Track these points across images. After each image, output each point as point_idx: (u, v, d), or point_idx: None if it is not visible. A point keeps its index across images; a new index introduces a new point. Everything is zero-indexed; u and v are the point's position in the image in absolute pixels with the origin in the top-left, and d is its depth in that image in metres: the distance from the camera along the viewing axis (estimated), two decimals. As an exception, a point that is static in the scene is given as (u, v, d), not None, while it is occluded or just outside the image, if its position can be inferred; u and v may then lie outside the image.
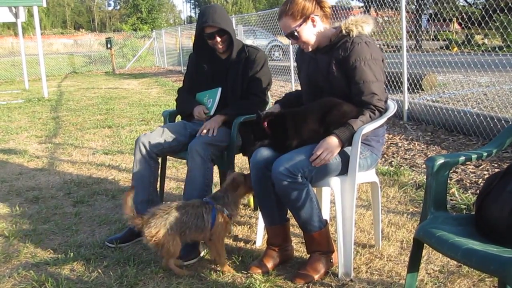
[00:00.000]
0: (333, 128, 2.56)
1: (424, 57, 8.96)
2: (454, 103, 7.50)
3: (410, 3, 15.52)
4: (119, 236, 3.24)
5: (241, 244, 3.18)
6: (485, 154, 2.33)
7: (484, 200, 2.03)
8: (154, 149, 3.25)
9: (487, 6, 6.77)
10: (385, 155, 5.19)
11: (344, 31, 2.69)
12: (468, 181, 4.19)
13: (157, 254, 2.80)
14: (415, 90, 8.00)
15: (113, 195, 4.25)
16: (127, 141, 6.44)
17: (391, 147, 5.50)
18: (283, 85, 11.56)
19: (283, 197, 2.61)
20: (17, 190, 4.49)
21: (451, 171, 4.07)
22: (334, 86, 2.71)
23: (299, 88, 3.11)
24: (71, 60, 24.06)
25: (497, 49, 13.20)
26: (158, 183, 3.44)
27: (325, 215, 3.18)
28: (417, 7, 16.26)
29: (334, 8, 9.06)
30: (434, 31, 20.80)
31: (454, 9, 8.19)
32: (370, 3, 9.14)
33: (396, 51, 8.18)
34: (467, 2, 25.32)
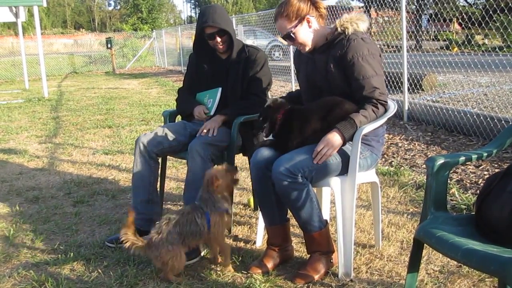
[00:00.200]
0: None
1: (424, 57, 8.97)
2: (454, 103, 7.50)
3: (410, 3, 15.52)
4: (119, 236, 3.23)
5: (241, 244, 3.18)
6: (485, 154, 2.33)
7: (484, 200, 2.03)
8: (154, 149, 3.25)
9: (487, 6, 6.77)
10: (385, 155, 5.19)
11: (339, 29, 2.69)
12: (468, 181, 4.19)
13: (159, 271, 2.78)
14: (415, 90, 8.00)
15: (113, 195, 4.25)
16: (127, 141, 6.44)
17: (391, 147, 5.50)
18: (283, 85, 11.56)
19: (283, 197, 2.61)
20: (17, 190, 4.49)
21: (451, 171, 4.07)
22: (333, 85, 2.71)
23: (299, 88, 3.12)
24: (71, 60, 24.06)
25: (497, 49, 13.20)
26: (158, 183, 3.44)
27: (325, 215, 3.17)
28: (417, 7, 16.26)
29: (334, 8, 9.05)
30: (434, 31, 20.80)
31: (454, 9, 8.19)
32: (370, 3, 9.13)
33: (396, 51, 8.18)
34: (467, 2, 25.32)
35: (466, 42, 11.18)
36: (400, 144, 5.59)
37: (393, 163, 4.88)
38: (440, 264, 2.78)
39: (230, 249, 2.83)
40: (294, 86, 10.09)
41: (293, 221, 2.81)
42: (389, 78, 7.46)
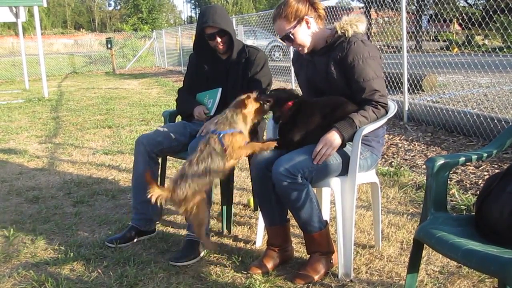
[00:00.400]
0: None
1: (424, 58, 8.97)
2: (454, 104, 7.50)
3: (410, 3, 15.52)
4: (119, 236, 3.24)
5: (241, 244, 3.18)
6: (485, 155, 2.33)
7: (484, 201, 2.03)
8: (154, 149, 3.25)
9: (487, 6, 6.77)
10: (385, 156, 5.19)
11: (339, 32, 2.69)
12: (468, 181, 4.19)
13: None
14: (415, 91, 8.00)
15: (113, 195, 4.25)
16: (127, 141, 6.44)
17: (391, 148, 5.50)
18: (283, 85, 11.56)
19: (283, 197, 2.61)
20: (17, 190, 4.49)
21: (451, 172, 4.07)
22: (334, 87, 2.71)
23: (299, 88, 3.12)
24: (72, 60, 24.07)
25: (497, 50, 13.21)
26: (159, 183, 3.45)
27: (325, 215, 3.17)
28: (418, 7, 16.27)
29: (334, 9, 9.05)
30: (434, 32, 20.81)
31: (454, 9, 8.19)
32: (370, 4, 9.13)
33: (397, 52, 8.18)
34: (467, 3, 25.34)
35: (466, 43, 11.18)
36: (400, 145, 5.59)
37: (393, 163, 4.88)
38: (440, 265, 2.78)
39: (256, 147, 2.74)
40: (294, 86, 10.08)
41: (293, 221, 2.81)
42: (389, 78, 7.46)
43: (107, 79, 18.08)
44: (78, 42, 30.77)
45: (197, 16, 3.46)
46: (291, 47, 9.66)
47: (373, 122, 2.62)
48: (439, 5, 7.19)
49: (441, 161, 2.19)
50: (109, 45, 21.68)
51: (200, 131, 3.20)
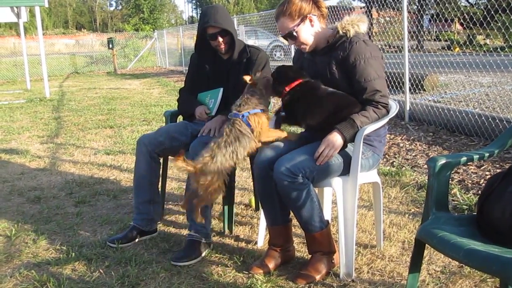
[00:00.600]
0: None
1: (425, 58, 8.96)
2: (456, 104, 7.50)
3: (411, 3, 15.52)
4: (121, 236, 3.24)
5: (243, 244, 3.18)
6: (487, 154, 2.33)
7: (486, 200, 2.02)
8: (156, 149, 3.25)
9: (488, 6, 6.77)
10: (386, 156, 5.18)
11: (341, 32, 2.69)
12: (470, 181, 4.18)
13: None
14: (417, 91, 7.99)
15: (114, 195, 4.25)
16: (129, 141, 6.44)
17: (392, 148, 5.50)
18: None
19: (284, 197, 2.61)
20: (19, 190, 4.49)
21: (452, 172, 4.07)
22: (335, 87, 2.70)
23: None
24: (73, 60, 24.08)
25: (499, 49, 13.19)
26: (160, 183, 3.45)
27: (327, 215, 3.18)
28: (419, 7, 16.25)
29: (335, 9, 9.05)
30: (435, 32, 20.79)
31: (456, 9, 8.19)
32: (371, 4, 9.13)
33: (398, 52, 8.17)
34: (468, 3, 25.30)
35: (467, 42, 11.18)
36: (401, 145, 5.59)
37: (394, 163, 4.88)
38: (441, 265, 2.78)
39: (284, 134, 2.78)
40: (295, 86, 10.08)
41: (294, 221, 2.81)
42: (390, 78, 7.46)
43: (109, 79, 18.10)
44: (79, 42, 30.76)
45: (199, 16, 3.46)
46: (292, 47, 9.70)
47: (374, 122, 2.62)
48: (441, 5, 7.18)
49: (442, 161, 2.19)
50: (110, 45, 21.70)
51: (202, 131, 3.20)
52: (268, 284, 2.62)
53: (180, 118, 3.71)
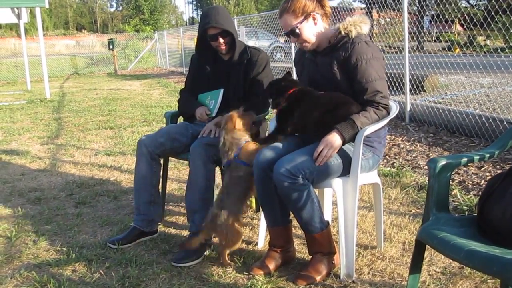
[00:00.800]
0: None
1: (426, 58, 8.96)
2: (456, 104, 7.49)
3: (412, 4, 15.52)
4: (121, 237, 3.24)
5: (243, 245, 3.18)
6: (487, 155, 2.33)
7: (487, 201, 2.02)
8: (156, 150, 3.25)
9: (489, 7, 6.78)
10: (387, 156, 5.18)
11: (343, 32, 2.70)
12: (470, 182, 4.18)
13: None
14: (417, 91, 7.99)
15: (115, 196, 4.25)
16: (129, 142, 6.45)
17: (393, 148, 5.50)
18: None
19: (284, 198, 2.61)
20: (19, 191, 4.49)
21: (453, 173, 4.08)
22: (337, 87, 2.71)
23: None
24: (73, 61, 24.09)
25: (499, 50, 13.20)
26: (160, 184, 3.45)
27: (327, 216, 3.18)
28: (419, 8, 16.26)
29: (336, 9, 9.06)
30: (436, 32, 20.80)
31: (456, 10, 8.19)
32: (372, 5, 9.13)
33: (398, 52, 8.18)
34: (469, 3, 25.31)
35: (468, 43, 11.18)
36: (402, 145, 5.59)
37: (395, 164, 4.87)
38: (442, 266, 2.78)
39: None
40: (296, 87, 10.08)
41: (295, 222, 2.81)
42: (391, 79, 7.45)
43: (109, 80, 18.10)
44: (80, 43, 30.78)
45: (199, 17, 3.46)
46: (293, 48, 9.71)
47: (374, 123, 2.62)
48: (441, 6, 7.18)
49: (443, 162, 2.19)
50: (111, 46, 21.70)
51: (202, 132, 3.20)
52: (269, 285, 2.62)
53: (180, 119, 3.71)
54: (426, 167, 4.60)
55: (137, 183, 3.28)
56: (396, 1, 7.45)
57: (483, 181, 4.17)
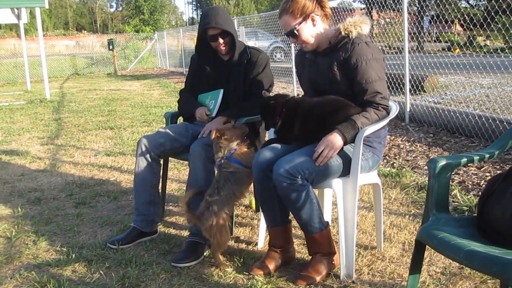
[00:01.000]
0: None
1: (426, 59, 8.96)
2: (456, 105, 7.50)
3: (412, 4, 15.52)
4: (121, 237, 3.24)
5: (243, 245, 3.18)
6: (487, 155, 2.33)
7: (486, 201, 2.02)
8: (156, 151, 3.25)
9: (489, 7, 6.78)
10: (387, 157, 5.18)
11: (343, 33, 2.70)
12: (470, 182, 4.18)
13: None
14: (417, 92, 7.99)
15: (115, 196, 4.25)
16: (129, 143, 6.45)
17: (393, 149, 5.50)
18: (284, 86, 11.57)
19: (284, 198, 2.61)
20: (19, 191, 4.49)
21: (453, 173, 4.07)
22: (336, 88, 2.71)
23: (300, 89, 3.12)
24: (73, 62, 24.10)
25: (499, 50, 13.20)
26: (160, 184, 3.45)
27: (327, 216, 3.18)
28: (419, 8, 16.27)
29: (336, 10, 9.06)
30: (436, 33, 20.79)
31: (456, 10, 8.19)
32: (372, 5, 9.14)
33: (398, 53, 8.18)
34: (469, 4, 25.32)
35: (468, 44, 11.18)
36: (402, 146, 5.59)
37: (395, 164, 4.87)
38: (442, 266, 2.78)
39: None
40: (296, 87, 10.10)
41: (294, 222, 2.81)
42: (391, 79, 7.46)
43: (109, 80, 18.10)
44: (80, 43, 30.77)
45: (199, 17, 3.46)
46: (293, 48, 9.71)
47: (374, 124, 2.62)
48: (441, 6, 7.18)
49: (443, 162, 2.19)
50: (111, 47, 21.71)
51: (202, 132, 3.20)
52: (269, 285, 2.62)
53: (180, 119, 3.71)
54: (426, 167, 4.60)
55: (137, 183, 3.28)
56: (396, 1, 7.46)
57: (483, 181, 4.17)
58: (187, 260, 2.90)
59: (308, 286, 2.62)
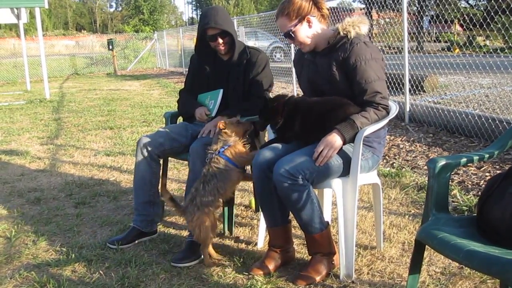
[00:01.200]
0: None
1: (425, 59, 8.96)
2: (456, 105, 7.50)
3: (411, 4, 15.52)
4: (121, 237, 3.24)
5: (243, 245, 3.18)
6: (487, 155, 2.33)
7: (486, 202, 2.02)
8: (156, 151, 3.25)
9: (488, 7, 6.78)
10: (386, 157, 5.18)
11: (341, 33, 2.70)
12: (470, 182, 4.18)
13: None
14: (417, 92, 7.99)
15: (114, 196, 4.25)
16: (129, 143, 6.44)
17: (392, 149, 5.50)
18: (284, 86, 11.57)
19: (284, 198, 2.61)
20: (18, 191, 4.49)
21: (452, 173, 4.07)
22: (335, 88, 2.71)
23: (300, 90, 3.12)
24: (73, 62, 24.10)
25: (498, 50, 13.20)
26: (160, 184, 3.44)
27: (327, 216, 3.17)
28: (419, 8, 16.27)
29: (335, 10, 9.05)
30: (435, 33, 20.79)
31: (455, 10, 8.19)
32: (371, 5, 9.14)
33: (398, 53, 8.18)
34: (468, 4, 25.33)
35: (467, 44, 11.18)
36: (401, 146, 5.59)
37: (394, 164, 4.87)
38: (441, 266, 2.78)
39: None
40: (295, 87, 10.10)
41: (294, 222, 2.81)
42: (390, 79, 7.46)
43: (109, 80, 18.10)
44: (79, 43, 30.74)
45: (199, 17, 3.47)
46: (292, 49, 9.71)
47: (374, 124, 2.62)
48: (441, 6, 7.18)
49: (442, 162, 2.19)
50: (110, 47, 21.71)
51: (202, 132, 3.20)
52: (268, 285, 2.62)
53: (180, 119, 3.71)
54: (425, 167, 4.60)
55: (136, 183, 3.28)
56: (395, 1, 7.46)
57: (482, 181, 4.17)
58: (186, 260, 2.90)
59: (308, 286, 2.62)
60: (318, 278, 2.64)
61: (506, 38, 8.92)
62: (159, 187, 3.38)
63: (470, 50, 10.20)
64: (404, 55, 6.60)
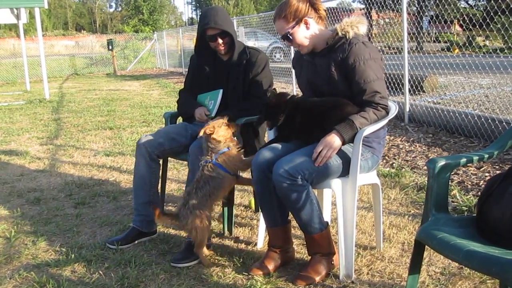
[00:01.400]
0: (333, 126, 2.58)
1: (425, 59, 8.96)
2: (456, 105, 7.49)
3: (411, 5, 15.53)
4: (120, 237, 3.24)
5: (242, 245, 3.18)
6: (486, 156, 2.33)
7: (486, 202, 2.02)
8: (155, 151, 3.25)
9: (488, 8, 6.78)
10: (386, 157, 5.18)
11: (340, 33, 2.70)
12: (470, 183, 4.18)
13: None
14: (416, 92, 7.99)
15: (114, 196, 4.25)
16: (128, 143, 6.44)
17: (392, 149, 5.50)
18: (284, 86, 11.57)
19: (284, 199, 2.61)
20: (18, 192, 4.49)
21: (452, 173, 4.08)
22: (335, 88, 2.71)
23: (299, 90, 3.12)
24: (73, 62, 24.11)
25: (498, 50, 13.20)
26: (160, 184, 3.45)
27: (326, 217, 3.18)
28: (419, 9, 16.28)
29: (335, 10, 9.05)
30: (435, 33, 20.80)
31: (455, 11, 8.19)
32: (371, 5, 9.14)
33: (397, 53, 8.18)
34: (468, 4, 25.33)
35: (467, 44, 11.18)
36: (401, 146, 5.59)
37: (394, 164, 4.87)
38: (441, 266, 2.78)
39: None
40: (295, 87, 10.10)
41: (294, 222, 2.81)
42: (390, 79, 7.46)
43: (108, 80, 18.10)
44: (79, 43, 30.76)
45: (198, 17, 3.47)
46: (292, 49, 9.72)
47: (373, 124, 2.62)
48: (440, 6, 7.19)
49: (442, 162, 2.19)
50: (110, 47, 21.72)
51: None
52: (268, 285, 2.62)
53: (179, 120, 3.71)
54: (425, 167, 4.60)
55: (136, 183, 3.28)
56: (395, 1, 7.46)
57: (482, 181, 4.17)
58: (186, 260, 2.90)
59: (307, 286, 2.62)
60: (317, 278, 2.64)
61: (506, 38, 8.93)
62: (159, 187, 3.39)
63: (470, 50, 10.19)
64: (404, 55, 6.60)
